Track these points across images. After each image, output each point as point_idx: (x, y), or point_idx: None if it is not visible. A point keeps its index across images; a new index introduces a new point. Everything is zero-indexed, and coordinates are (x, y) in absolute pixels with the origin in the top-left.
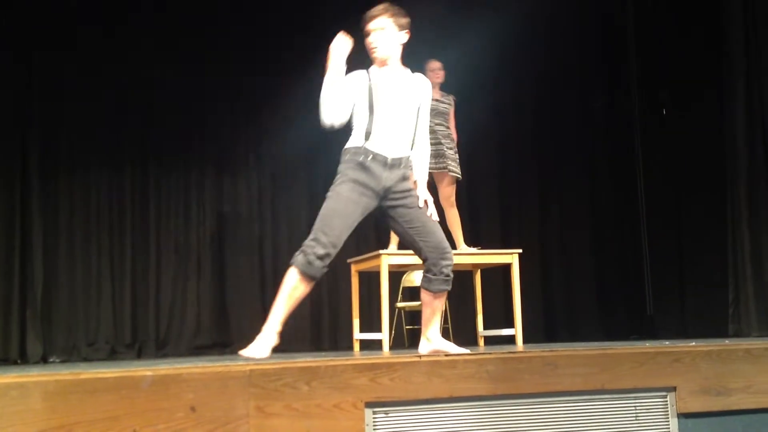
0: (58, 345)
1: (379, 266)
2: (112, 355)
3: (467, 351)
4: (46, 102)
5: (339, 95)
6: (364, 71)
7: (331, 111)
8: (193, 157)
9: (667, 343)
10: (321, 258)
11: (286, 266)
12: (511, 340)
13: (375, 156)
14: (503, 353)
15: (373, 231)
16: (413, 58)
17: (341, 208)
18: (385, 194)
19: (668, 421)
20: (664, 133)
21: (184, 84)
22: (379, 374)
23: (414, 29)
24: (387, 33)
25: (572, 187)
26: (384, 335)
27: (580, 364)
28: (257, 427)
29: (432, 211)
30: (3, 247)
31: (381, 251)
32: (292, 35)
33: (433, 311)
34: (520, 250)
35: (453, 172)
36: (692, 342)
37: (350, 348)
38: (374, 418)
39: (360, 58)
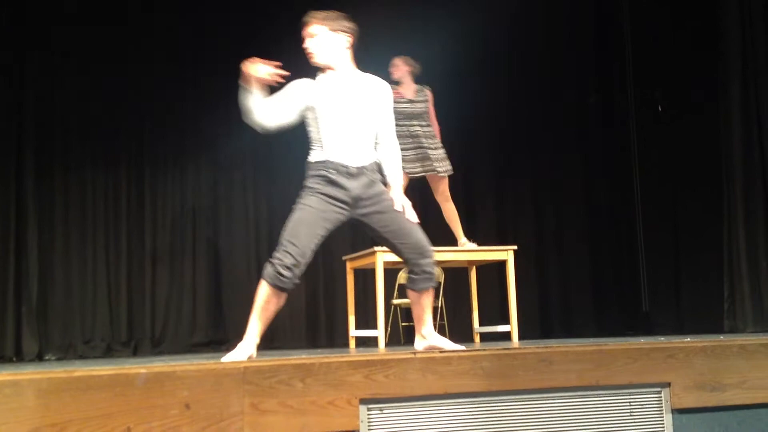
0: (53, 343)
1: (374, 263)
2: (108, 352)
3: (462, 347)
4: (41, 100)
5: (261, 102)
6: (309, 80)
7: (257, 116)
8: (188, 154)
9: (662, 339)
10: (289, 268)
11: None
12: (506, 336)
13: (337, 168)
14: (498, 350)
15: None
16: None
17: (307, 218)
18: (355, 203)
19: (662, 417)
20: (659, 130)
21: (179, 81)
22: (373, 371)
23: (407, 27)
24: (321, 39)
25: (568, 184)
26: (380, 332)
27: (574, 360)
28: (252, 424)
29: (410, 214)
30: None
31: (376, 248)
32: (288, 33)
33: (423, 308)
34: (516, 247)
35: (441, 172)
36: (687, 338)
37: (346, 345)
38: (369, 414)
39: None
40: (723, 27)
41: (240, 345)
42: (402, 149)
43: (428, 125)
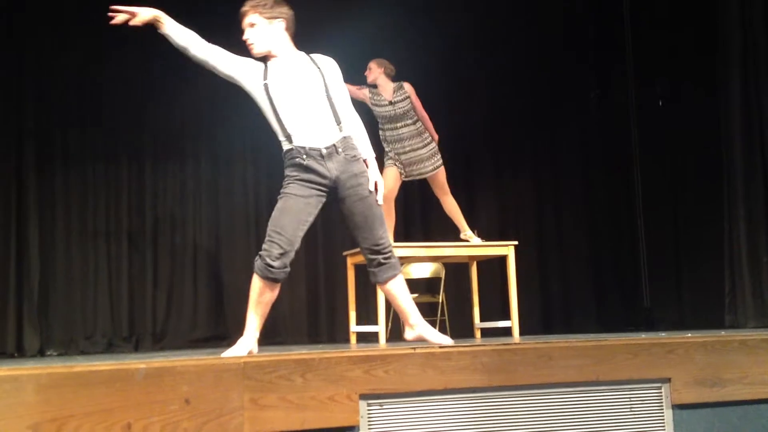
0: (55, 338)
1: None
2: (110, 348)
3: (450, 340)
4: (41, 98)
5: (200, 40)
6: (261, 64)
7: (195, 45)
8: (189, 151)
9: (662, 334)
10: (278, 258)
11: None
12: (507, 332)
13: (308, 153)
14: (498, 345)
15: None
16: (413, 52)
17: (291, 206)
18: (336, 185)
19: (663, 412)
20: (660, 126)
21: (179, 79)
22: (373, 366)
23: (408, 25)
24: (258, 28)
25: (569, 180)
26: (380, 328)
27: (574, 355)
28: (252, 419)
29: (379, 195)
30: None
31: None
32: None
33: (397, 299)
34: (516, 242)
35: (430, 171)
36: (688, 333)
37: (347, 341)
38: (369, 410)
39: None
40: (723, 23)
41: (240, 340)
42: (397, 154)
43: (414, 122)
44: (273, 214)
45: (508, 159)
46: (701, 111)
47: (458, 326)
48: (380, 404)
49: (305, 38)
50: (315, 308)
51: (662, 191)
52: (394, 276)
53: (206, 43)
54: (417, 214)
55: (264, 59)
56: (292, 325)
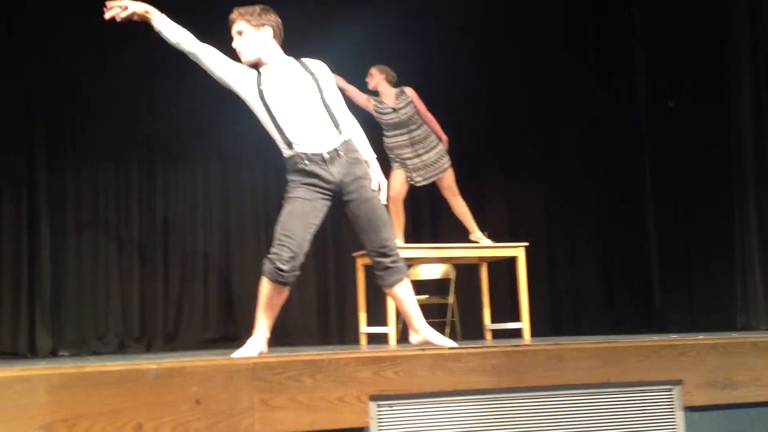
0: (67, 339)
1: None
2: (121, 348)
3: (455, 344)
4: (52, 99)
5: (192, 37)
6: (254, 71)
7: (188, 41)
8: (199, 152)
9: (674, 336)
10: (288, 262)
11: None
12: (518, 333)
13: (310, 158)
14: (507, 346)
15: None
16: (410, 54)
17: (298, 210)
18: (340, 188)
19: (674, 415)
20: (670, 126)
21: (189, 79)
22: (383, 367)
23: (415, 26)
24: (246, 36)
25: (579, 180)
26: (390, 329)
27: (584, 357)
28: (262, 420)
29: (383, 195)
30: (12, 241)
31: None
32: (298, 29)
33: (402, 302)
34: (527, 244)
35: (438, 174)
36: (699, 335)
37: (357, 342)
38: (378, 411)
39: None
40: (733, 21)
41: (250, 341)
42: (404, 160)
43: (418, 127)
44: (280, 218)
45: (516, 160)
46: (710, 110)
47: (468, 328)
48: (390, 405)
49: (303, 45)
50: (325, 309)
51: (672, 191)
52: (401, 280)
53: (199, 42)
54: (426, 215)
55: (256, 66)
56: (302, 326)
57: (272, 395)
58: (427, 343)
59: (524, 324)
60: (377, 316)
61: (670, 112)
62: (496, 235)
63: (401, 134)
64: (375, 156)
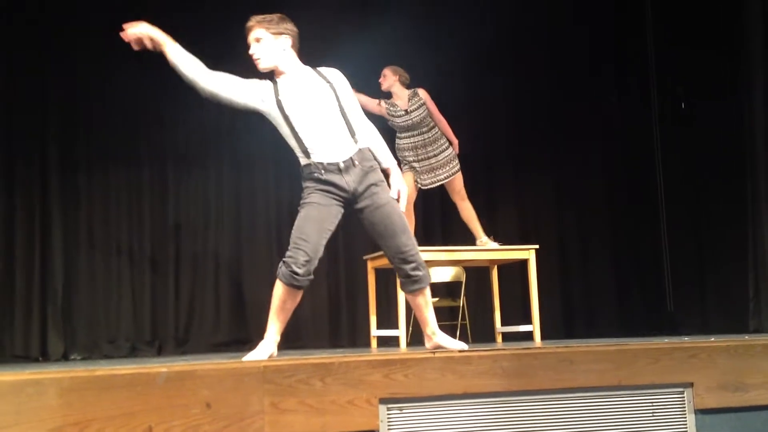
0: (79, 343)
1: None
2: (133, 352)
3: (466, 346)
4: (64, 98)
5: (203, 68)
6: (269, 83)
7: (195, 73)
8: (211, 156)
9: (685, 338)
10: (303, 265)
11: None
12: (529, 336)
13: (326, 167)
14: (517, 349)
15: None
16: (425, 55)
17: (314, 215)
18: (354, 197)
19: (685, 417)
20: (682, 127)
21: None
22: (393, 370)
23: (422, 28)
24: (265, 43)
25: (590, 182)
26: (401, 332)
27: (595, 360)
28: (272, 423)
29: (402, 202)
30: (24, 245)
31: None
32: (308, 32)
33: (420, 308)
34: (537, 246)
35: (447, 178)
36: (711, 338)
37: (368, 345)
38: (388, 414)
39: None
40: (746, 22)
41: (261, 344)
42: (414, 161)
43: (429, 129)
44: (297, 222)
45: (528, 162)
46: (723, 110)
47: (479, 331)
48: (400, 408)
49: (315, 49)
50: (336, 312)
51: (685, 193)
52: (421, 290)
53: (213, 73)
54: (437, 217)
55: (272, 76)
56: (313, 329)
57: (282, 398)
58: (439, 347)
59: (535, 327)
60: (388, 319)
61: (683, 114)
62: (507, 237)
63: (413, 136)
64: (396, 162)
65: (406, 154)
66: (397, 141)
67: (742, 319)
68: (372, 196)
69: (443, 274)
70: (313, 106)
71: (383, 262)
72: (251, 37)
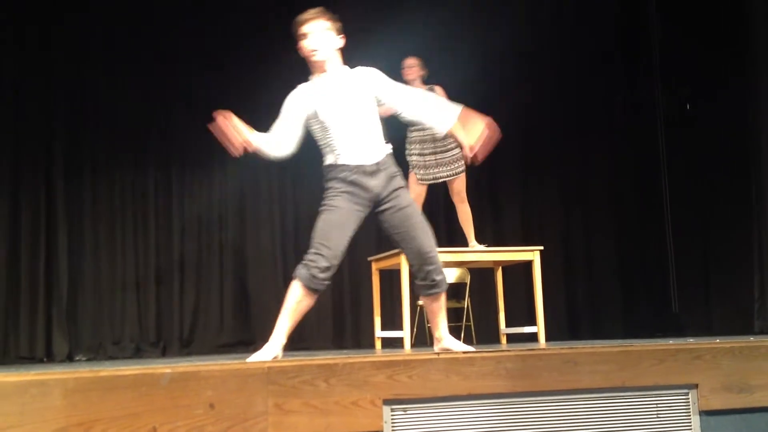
0: (83, 344)
1: (399, 264)
2: (138, 353)
3: (473, 349)
4: (69, 101)
5: (265, 140)
6: (303, 87)
7: (268, 153)
8: (215, 156)
9: (690, 340)
10: (324, 271)
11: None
12: (533, 338)
13: (355, 169)
14: (522, 350)
15: None
16: (432, 54)
17: (337, 219)
18: (377, 200)
19: (690, 419)
20: (687, 128)
21: (205, 83)
22: (397, 371)
23: (429, 28)
24: (326, 36)
25: (595, 184)
26: (405, 333)
27: (599, 361)
28: (276, 424)
29: (480, 150)
30: (29, 246)
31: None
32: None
33: (434, 312)
34: (542, 247)
35: (450, 176)
36: (716, 339)
37: (372, 346)
38: (392, 415)
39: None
40: (751, 22)
41: (266, 345)
42: (420, 155)
43: None
44: (319, 225)
45: (533, 163)
46: (728, 112)
47: (483, 332)
48: (404, 410)
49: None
50: (340, 314)
51: (690, 194)
52: (438, 294)
53: (278, 139)
54: (441, 219)
55: (307, 75)
56: (318, 330)
57: (286, 399)
58: (447, 350)
59: (539, 328)
60: (392, 320)
61: (688, 115)
62: (511, 238)
63: (424, 129)
64: (454, 119)
65: (413, 147)
66: (408, 135)
67: (748, 321)
68: (395, 199)
69: (448, 276)
70: (349, 107)
71: (388, 264)
72: (310, 26)
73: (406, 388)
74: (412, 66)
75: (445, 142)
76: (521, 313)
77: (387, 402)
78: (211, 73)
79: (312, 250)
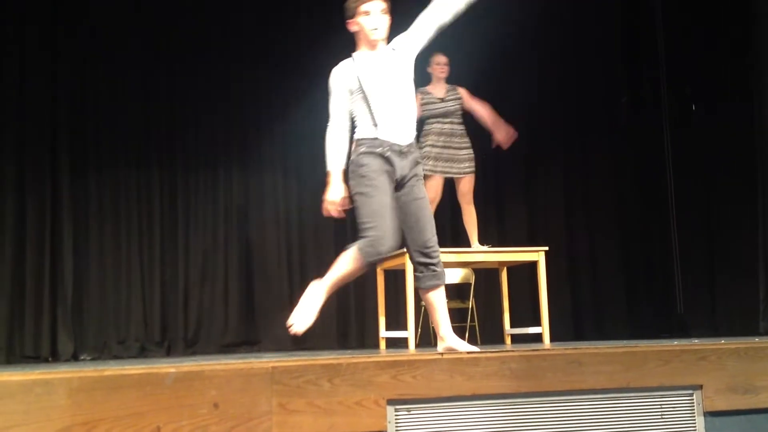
0: (88, 343)
1: (404, 264)
2: (142, 352)
3: (477, 348)
4: (74, 101)
5: (345, 135)
6: (346, 63)
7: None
8: (220, 155)
9: (695, 341)
10: (382, 254)
11: (313, 264)
12: (538, 338)
13: (391, 146)
14: (526, 351)
15: None
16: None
17: (388, 202)
18: (399, 184)
19: (694, 420)
20: (693, 129)
21: (210, 82)
22: (401, 371)
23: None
24: (384, 16)
25: (600, 184)
26: (410, 333)
27: (604, 361)
28: (280, 424)
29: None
30: (34, 246)
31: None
32: (318, 34)
33: (435, 309)
34: (546, 248)
35: (459, 174)
36: (721, 340)
37: (377, 346)
38: (396, 415)
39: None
40: (757, 24)
41: (306, 302)
42: (432, 146)
43: (459, 123)
44: (372, 206)
45: (538, 164)
46: (734, 113)
47: (488, 332)
48: (408, 410)
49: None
50: (345, 314)
51: (695, 195)
52: (437, 286)
53: (343, 133)
54: (446, 219)
55: (352, 50)
56: (322, 330)
57: (290, 399)
58: (450, 350)
59: (544, 328)
60: (397, 320)
61: (694, 116)
62: (516, 239)
63: (443, 123)
64: None
65: (428, 138)
66: (425, 127)
67: (753, 321)
68: (412, 187)
69: (453, 276)
70: (391, 84)
71: (392, 264)
72: (373, 6)
73: (410, 388)
74: (443, 65)
75: (461, 140)
76: (526, 313)
77: (391, 402)
78: (215, 73)
79: (369, 228)
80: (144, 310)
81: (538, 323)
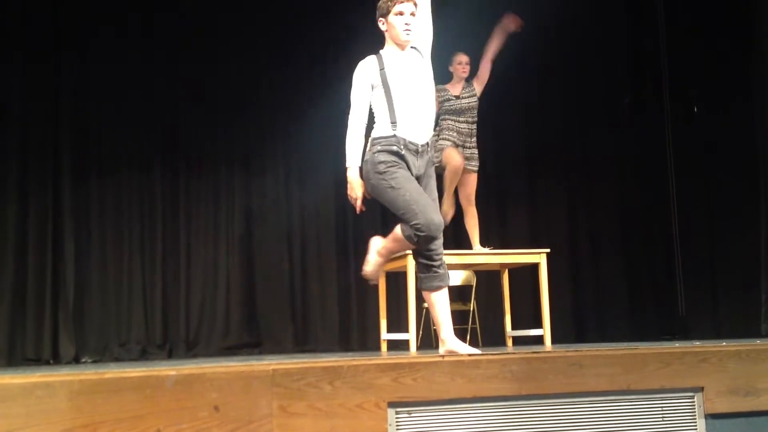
0: (90, 345)
1: (405, 266)
2: (144, 355)
3: (478, 351)
4: (76, 104)
5: (363, 127)
6: (371, 58)
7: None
8: (221, 156)
9: (697, 343)
10: (437, 236)
11: (314, 267)
12: (539, 340)
13: (407, 145)
14: (527, 353)
15: None
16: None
17: (419, 188)
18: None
19: (696, 422)
20: (695, 130)
21: (211, 82)
22: (401, 374)
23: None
24: (415, 18)
25: (601, 186)
26: (411, 335)
27: (605, 364)
28: (280, 427)
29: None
30: (35, 248)
31: (408, 251)
32: (320, 30)
33: (438, 311)
34: (548, 250)
35: (471, 170)
36: (723, 342)
37: (378, 348)
38: (397, 418)
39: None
40: (758, 22)
41: (372, 259)
42: (446, 139)
43: (473, 122)
44: (408, 196)
45: (540, 165)
46: (736, 115)
47: (490, 334)
48: (408, 412)
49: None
50: (346, 316)
51: (697, 197)
52: (439, 288)
53: (363, 129)
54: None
55: (379, 48)
56: (323, 333)
57: (291, 402)
58: (451, 353)
59: (545, 331)
60: (398, 322)
61: (696, 117)
62: (518, 240)
63: (458, 120)
64: None
65: (447, 133)
66: (441, 122)
67: (754, 324)
68: (425, 187)
69: (454, 278)
70: (414, 86)
71: (394, 266)
72: (407, 6)
73: (410, 391)
74: (468, 63)
75: (472, 139)
76: (527, 315)
77: (392, 404)
78: (218, 74)
79: (416, 214)
80: (145, 312)
81: (539, 325)
